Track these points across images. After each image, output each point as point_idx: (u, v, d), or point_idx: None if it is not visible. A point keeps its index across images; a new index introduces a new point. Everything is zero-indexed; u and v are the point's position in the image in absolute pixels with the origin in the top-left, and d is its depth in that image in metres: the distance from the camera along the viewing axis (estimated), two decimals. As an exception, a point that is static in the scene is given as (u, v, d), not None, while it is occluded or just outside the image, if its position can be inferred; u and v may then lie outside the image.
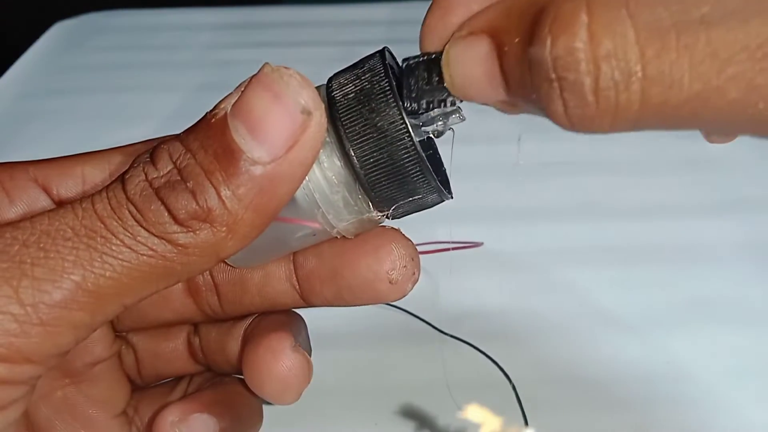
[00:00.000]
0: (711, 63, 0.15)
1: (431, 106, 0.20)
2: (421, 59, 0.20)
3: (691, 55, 0.15)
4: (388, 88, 0.19)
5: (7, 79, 0.65)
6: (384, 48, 0.21)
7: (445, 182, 0.22)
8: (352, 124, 0.20)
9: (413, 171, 0.20)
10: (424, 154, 0.20)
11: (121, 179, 0.19)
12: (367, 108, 0.19)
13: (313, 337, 0.28)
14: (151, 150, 0.19)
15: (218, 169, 0.18)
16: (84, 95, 0.62)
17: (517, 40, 0.17)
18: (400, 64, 0.21)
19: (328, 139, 0.20)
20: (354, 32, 0.72)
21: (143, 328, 0.27)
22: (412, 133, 0.19)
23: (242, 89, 0.19)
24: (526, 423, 0.31)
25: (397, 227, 0.23)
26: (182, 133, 0.19)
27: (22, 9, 1.07)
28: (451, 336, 0.37)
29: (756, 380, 0.35)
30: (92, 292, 0.18)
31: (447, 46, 0.19)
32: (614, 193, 0.50)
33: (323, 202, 0.21)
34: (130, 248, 0.18)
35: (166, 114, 0.57)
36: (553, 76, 0.16)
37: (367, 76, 0.20)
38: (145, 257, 0.18)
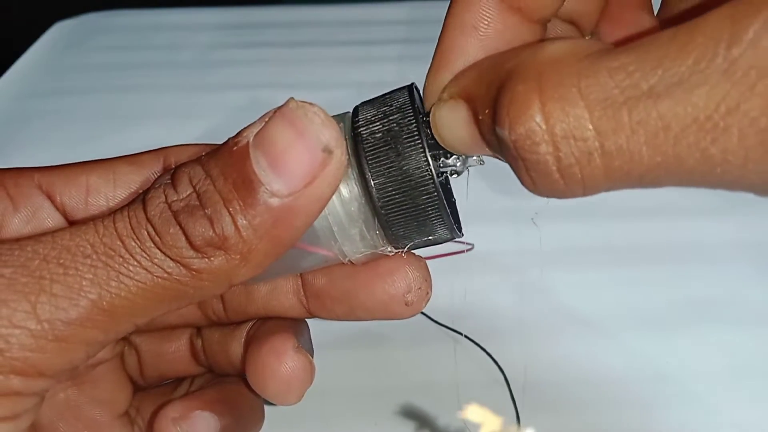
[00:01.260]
0: (665, 136, 0.15)
1: (452, 153, 0.20)
2: None
3: (646, 129, 0.15)
4: (416, 133, 0.20)
5: (7, 79, 0.65)
6: (412, 85, 0.21)
7: (456, 216, 0.23)
8: (378, 164, 0.20)
9: (433, 215, 0.21)
10: (444, 200, 0.20)
11: (143, 199, 0.20)
12: (393, 151, 0.20)
13: (314, 337, 0.28)
14: (172, 171, 0.20)
15: (236, 198, 0.19)
16: (84, 95, 0.62)
17: (487, 111, 0.18)
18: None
19: (351, 173, 0.20)
20: (354, 32, 0.72)
21: (147, 331, 0.27)
22: (437, 181, 0.20)
23: (266, 120, 0.19)
24: (518, 418, 0.31)
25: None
26: (204, 156, 0.20)
27: (22, 9, 1.07)
28: (456, 331, 0.37)
29: (756, 380, 0.35)
30: (107, 311, 0.18)
31: (433, 108, 0.20)
32: (614, 193, 0.49)
33: (340, 235, 0.21)
34: (146, 270, 0.19)
35: (166, 114, 0.57)
36: (517, 155, 0.17)
37: (396, 116, 0.20)
38: (159, 279, 0.19)
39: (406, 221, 0.21)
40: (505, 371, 0.35)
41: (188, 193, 0.19)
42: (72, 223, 0.24)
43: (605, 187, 0.17)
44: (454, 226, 0.21)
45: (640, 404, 0.34)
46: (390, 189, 0.20)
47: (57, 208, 0.24)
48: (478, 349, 0.37)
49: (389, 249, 0.22)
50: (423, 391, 0.34)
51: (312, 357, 0.26)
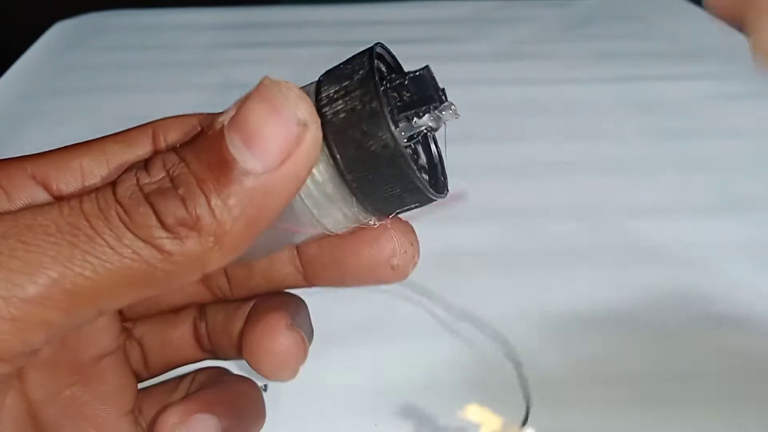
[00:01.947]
0: None
1: (423, 112, 0.20)
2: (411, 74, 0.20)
3: None
4: (379, 109, 0.19)
5: (7, 79, 0.65)
6: (374, 47, 0.21)
7: (439, 175, 0.22)
8: (345, 144, 0.20)
9: (409, 187, 0.20)
10: (416, 170, 0.20)
11: (112, 182, 0.19)
12: (358, 130, 0.19)
13: (314, 337, 0.28)
14: (146, 159, 0.19)
15: (210, 178, 0.18)
16: (84, 95, 0.62)
17: None
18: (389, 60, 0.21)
19: (321, 154, 0.20)
20: (354, 32, 0.72)
21: (153, 314, 0.26)
22: (405, 154, 0.19)
23: (241, 101, 0.19)
24: (527, 413, 0.31)
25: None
26: (179, 144, 0.19)
27: (22, 9, 1.08)
28: (460, 318, 0.37)
29: (755, 380, 0.35)
30: (69, 290, 0.18)
31: None
32: (614, 193, 0.50)
33: (321, 215, 0.21)
34: (113, 249, 0.18)
35: (165, 114, 0.57)
36: None
37: (357, 92, 0.19)
38: (127, 260, 0.18)
39: (383, 196, 0.20)
40: (504, 371, 0.35)
41: (161, 176, 0.19)
42: None
43: None
44: (431, 191, 0.21)
45: (640, 404, 0.34)
46: (360, 168, 0.20)
47: (54, 196, 0.24)
48: (479, 348, 0.37)
49: (372, 221, 0.22)
50: (423, 391, 0.34)
51: (312, 335, 0.26)
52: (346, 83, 0.20)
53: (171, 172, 0.19)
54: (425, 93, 0.20)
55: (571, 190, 0.50)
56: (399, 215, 0.22)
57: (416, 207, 0.22)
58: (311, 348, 0.28)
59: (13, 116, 0.59)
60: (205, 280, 0.25)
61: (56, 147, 0.25)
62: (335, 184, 0.20)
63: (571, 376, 0.36)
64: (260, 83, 0.19)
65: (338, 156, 0.20)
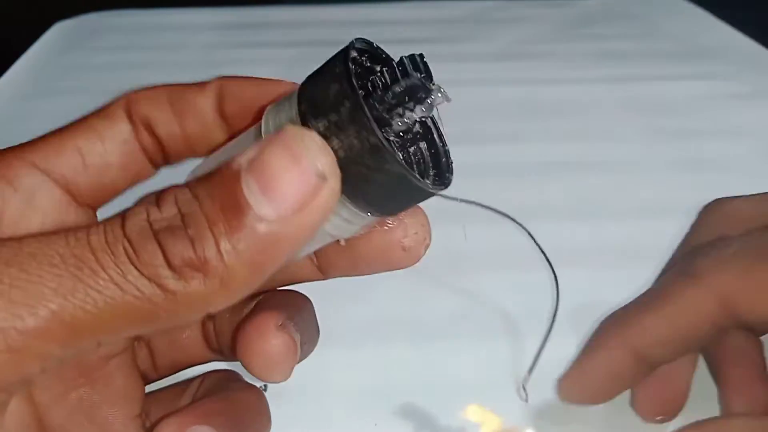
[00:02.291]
0: None
1: (414, 104, 0.20)
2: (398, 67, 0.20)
3: None
4: (379, 144, 0.19)
5: (7, 79, 0.65)
6: (348, 49, 0.20)
7: (442, 166, 0.22)
8: (353, 181, 0.19)
9: (421, 197, 0.21)
10: (429, 185, 0.20)
11: (122, 215, 0.19)
12: (363, 166, 0.19)
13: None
14: (158, 192, 0.19)
15: (222, 221, 0.18)
16: (84, 95, 0.61)
17: None
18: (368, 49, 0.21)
19: None
20: (354, 32, 0.71)
21: None
22: (399, 158, 0.19)
23: (261, 146, 0.18)
24: (554, 273, 0.32)
25: None
26: (193, 180, 0.19)
27: (22, 9, 1.07)
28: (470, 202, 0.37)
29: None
30: (68, 323, 0.17)
31: None
32: (614, 193, 0.50)
33: (339, 235, 0.22)
34: (117, 285, 0.18)
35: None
36: None
37: (350, 129, 0.19)
38: (129, 297, 0.18)
39: (384, 199, 0.20)
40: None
41: (173, 213, 0.18)
42: (75, 196, 0.24)
43: None
44: (431, 187, 0.20)
45: (640, 404, 0.34)
46: (373, 197, 0.20)
47: (57, 182, 0.23)
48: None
49: (379, 220, 0.22)
50: (423, 391, 0.34)
51: (314, 336, 0.26)
52: (335, 117, 0.19)
53: (182, 209, 0.18)
54: (412, 84, 0.20)
55: (571, 190, 0.50)
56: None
57: (417, 202, 0.22)
58: (313, 350, 0.28)
59: (13, 116, 0.59)
60: None
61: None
62: (350, 211, 0.20)
63: (571, 376, 0.36)
64: (282, 130, 0.18)
65: (348, 191, 0.19)
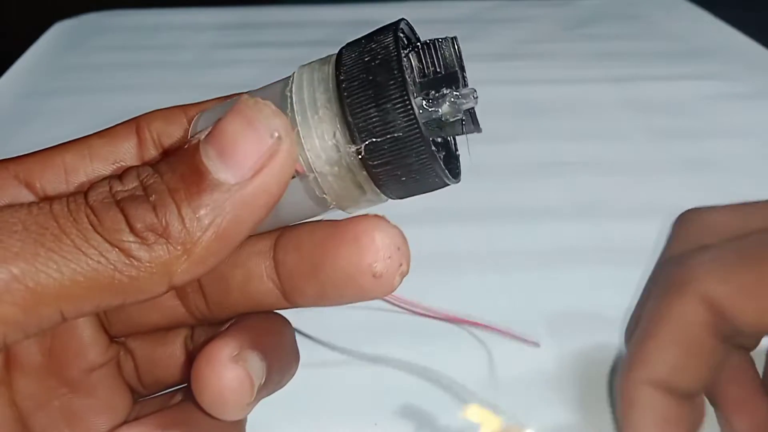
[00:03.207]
0: None
1: (446, 89, 0.20)
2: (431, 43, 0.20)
3: None
4: (404, 92, 0.19)
5: (7, 79, 0.65)
6: (399, 23, 0.21)
7: (457, 164, 0.22)
8: (364, 120, 0.19)
9: (423, 169, 0.20)
10: (434, 154, 0.20)
11: (86, 190, 0.19)
12: (380, 109, 0.19)
13: (314, 336, 0.27)
14: (121, 171, 0.19)
15: (183, 188, 0.18)
16: (84, 95, 0.62)
17: None
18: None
19: (337, 123, 0.20)
20: (354, 32, 0.72)
21: (135, 333, 0.26)
22: (426, 136, 0.19)
23: (219, 119, 0.19)
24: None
25: (381, 214, 0.21)
26: (156, 161, 0.19)
27: (22, 9, 1.08)
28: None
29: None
30: (30, 288, 0.17)
31: None
32: (614, 193, 0.50)
33: (327, 189, 0.21)
34: (79, 249, 0.18)
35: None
36: None
37: (380, 73, 0.19)
38: (93, 262, 0.18)
39: (398, 177, 0.20)
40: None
41: (134, 185, 0.19)
42: None
43: None
44: (447, 175, 0.20)
45: (640, 404, 0.34)
46: (378, 145, 0.20)
47: (37, 196, 0.23)
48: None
49: (381, 196, 0.21)
50: (423, 391, 0.34)
51: (295, 362, 0.24)
52: (369, 60, 0.20)
53: (144, 181, 0.19)
54: (450, 70, 0.20)
55: (571, 190, 0.50)
56: (387, 220, 0.21)
57: (425, 189, 0.21)
58: (312, 349, 0.28)
59: (13, 116, 0.59)
60: (183, 300, 0.24)
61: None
62: (346, 154, 0.20)
63: (570, 376, 0.36)
64: (236, 100, 0.19)
65: (355, 130, 0.20)
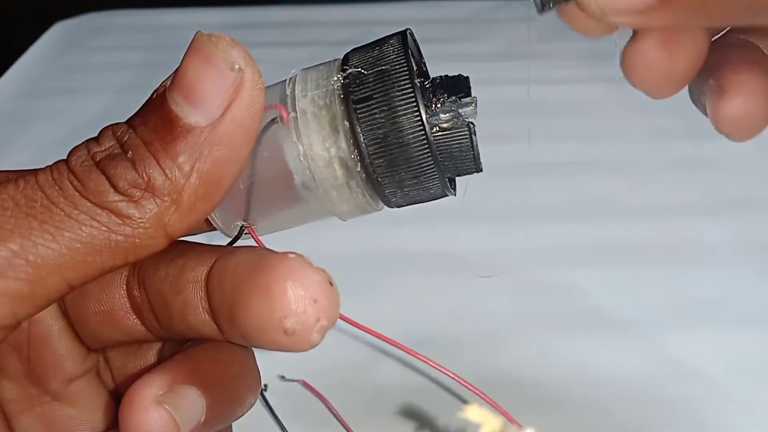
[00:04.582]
0: None
1: (449, 102, 0.20)
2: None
3: None
4: (412, 95, 0.19)
5: (7, 79, 0.65)
6: (406, 31, 0.21)
7: (470, 162, 0.22)
8: (370, 124, 0.19)
9: (428, 174, 0.20)
10: (439, 161, 0.20)
11: (66, 157, 0.19)
12: (387, 113, 0.19)
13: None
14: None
15: (157, 139, 0.18)
16: (84, 95, 0.62)
17: None
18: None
19: (340, 128, 0.20)
20: (354, 32, 0.72)
21: (106, 347, 0.25)
22: (432, 142, 0.19)
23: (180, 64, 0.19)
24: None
25: (301, 254, 0.18)
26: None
27: (22, 9, 1.08)
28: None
29: (755, 380, 0.35)
30: (31, 261, 0.17)
31: None
32: (614, 193, 0.50)
33: (324, 191, 0.21)
34: (70, 216, 0.18)
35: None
36: None
37: (389, 78, 0.19)
38: (87, 227, 0.18)
39: (400, 181, 0.20)
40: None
41: (111, 143, 0.19)
42: None
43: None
44: (448, 186, 0.21)
45: (640, 404, 0.34)
46: (382, 149, 0.20)
47: None
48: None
49: (378, 204, 0.21)
50: (423, 391, 0.34)
51: (257, 391, 0.22)
52: (377, 66, 0.20)
53: (120, 138, 0.19)
54: (457, 83, 0.20)
55: (571, 190, 0.50)
56: (308, 263, 0.19)
57: (424, 198, 0.21)
58: (313, 349, 0.27)
59: (13, 116, 0.59)
60: (141, 317, 0.23)
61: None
62: (348, 158, 0.20)
63: (570, 376, 0.36)
64: (193, 38, 0.19)
65: (360, 133, 0.20)
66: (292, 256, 0.18)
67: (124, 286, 0.22)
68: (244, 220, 0.22)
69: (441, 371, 0.24)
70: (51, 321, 0.23)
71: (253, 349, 0.22)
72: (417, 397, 0.34)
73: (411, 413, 0.33)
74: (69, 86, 0.64)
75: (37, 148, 0.54)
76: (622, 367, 0.36)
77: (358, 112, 0.19)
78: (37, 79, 0.65)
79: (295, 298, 0.18)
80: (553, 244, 0.45)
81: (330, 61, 0.21)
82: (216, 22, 0.77)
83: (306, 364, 0.35)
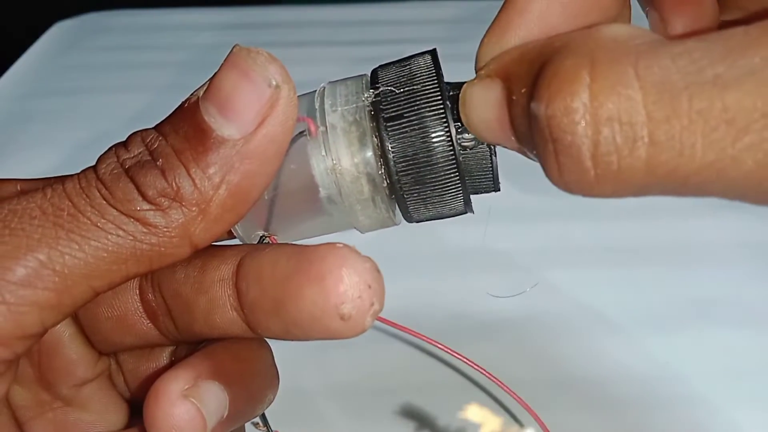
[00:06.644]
0: (726, 131, 0.14)
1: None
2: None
3: (705, 121, 0.14)
4: (441, 109, 0.19)
5: (7, 79, 0.65)
6: (434, 50, 0.21)
7: (488, 181, 0.22)
8: (399, 137, 0.20)
9: (451, 190, 0.21)
10: (464, 177, 0.20)
11: (95, 164, 0.19)
12: (417, 126, 0.20)
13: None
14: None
15: (188, 149, 0.18)
16: (84, 95, 0.62)
17: (523, 90, 0.16)
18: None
19: (368, 141, 0.20)
20: (353, 32, 0.72)
21: (118, 351, 0.25)
22: (459, 157, 0.20)
23: (215, 74, 0.19)
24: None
25: (351, 245, 0.19)
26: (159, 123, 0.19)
27: (22, 9, 1.07)
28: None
29: (755, 380, 0.35)
30: (58, 271, 0.18)
31: (465, 86, 0.19)
32: (614, 193, 0.50)
33: (348, 202, 0.21)
34: (97, 226, 0.18)
35: (166, 114, 0.57)
36: (549, 136, 0.15)
37: (419, 91, 0.20)
38: (112, 236, 0.18)
39: (424, 198, 0.21)
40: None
41: (140, 150, 0.19)
42: None
43: (640, 184, 0.16)
44: (470, 203, 0.21)
45: (640, 404, 0.34)
46: (410, 166, 0.20)
47: None
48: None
49: (396, 220, 0.22)
50: (423, 391, 0.34)
51: (274, 385, 0.23)
52: (408, 82, 0.20)
53: (149, 146, 0.19)
54: None
55: (571, 190, 0.50)
56: (357, 251, 0.20)
57: (445, 214, 0.22)
58: (312, 350, 0.27)
59: (13, 116, 0.59)
60: (155, 321, 0.23)
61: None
62: (373, 171, 0.20)
63: (570, 375, 0.36)
64: (230, 51, 0.19)
65: (388, 146, 0.20)
66: (340, 245, 0.19)
67: (137, 291, 0.23)
68: (265, 230, 0.22)
69: (475, 368, 0.26)
70: (62, 327, 0.23)
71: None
72: (417, 397, 0.34)
73: (411, 413, 0.33)
74: (69, 86, 0.64)
75: (37, 148, 0.54)
76: (621, 367, 0.36)
77: (389, 129, 0.20)
78: (36, 79, 0.65)
79: (351, 284, 0.18)
80: (553, 244, 0.45)
81: (358, 77, 0.21)
82: (216, 22, 0.77)
83: (306, 364, 0.35)
